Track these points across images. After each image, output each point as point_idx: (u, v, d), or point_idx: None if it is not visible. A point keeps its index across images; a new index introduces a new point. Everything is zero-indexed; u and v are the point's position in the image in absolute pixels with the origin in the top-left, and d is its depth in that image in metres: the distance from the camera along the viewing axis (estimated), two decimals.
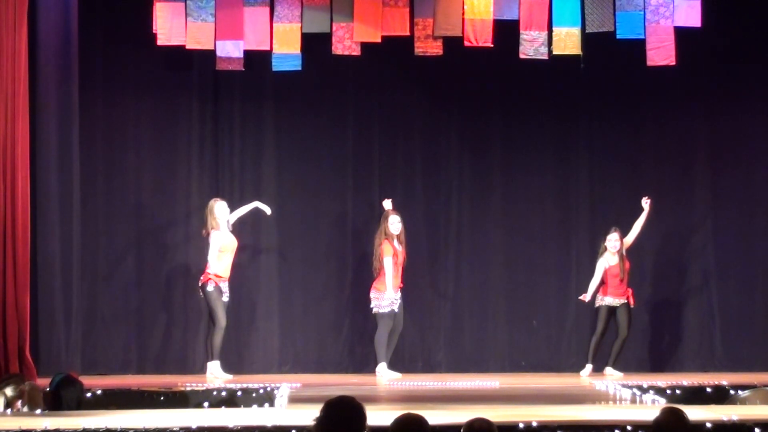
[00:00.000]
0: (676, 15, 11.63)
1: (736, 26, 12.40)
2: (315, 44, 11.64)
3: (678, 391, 9.71)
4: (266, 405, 9.13)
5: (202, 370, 11.58)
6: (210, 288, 11.33)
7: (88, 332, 11.95)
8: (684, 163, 12.73)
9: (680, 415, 4.95)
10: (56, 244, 11.61)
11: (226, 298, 11.41)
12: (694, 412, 7.07)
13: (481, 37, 11.51)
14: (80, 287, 11.83)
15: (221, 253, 11.38)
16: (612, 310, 11.87)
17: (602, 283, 11.86)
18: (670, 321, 12.64)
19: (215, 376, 11.23)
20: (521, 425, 6.92)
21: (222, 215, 11.46)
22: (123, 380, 11.16)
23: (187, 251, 12.10)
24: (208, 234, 11.42)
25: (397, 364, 11.83)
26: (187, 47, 11.58)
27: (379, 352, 11.63)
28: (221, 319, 11.32)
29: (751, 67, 12.55)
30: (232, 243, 11.52)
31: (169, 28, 11.50)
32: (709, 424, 6.96)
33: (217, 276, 11.35)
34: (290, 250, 12.50)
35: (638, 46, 11.60)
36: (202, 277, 11.43)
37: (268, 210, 11.77)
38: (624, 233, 11.89)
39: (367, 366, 12.04)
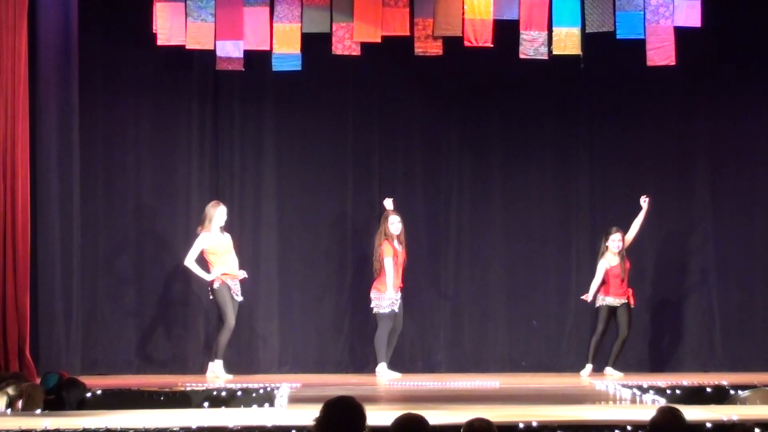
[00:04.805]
0: (676, 15, 11.63)
1: (736, 26, 12.40)
2: (315, 44, 11.64)
3: (678, 391, 9.70)
4: (266, 405, 9.13)
5: (202, 370, 11.58)
6: (216, 285, 11.32)
7: (88, 332, 11.95)
8: (684, 163, 12.72)
9: (677, 414, 4.96)
10: (56, 244, 11.62)
11: (237, 297, 11.41)
12: (693, 412, 7.10)
13: (481, 37, 11.51)
14: (80, 287, 11.84)
15: (216, 255, 11.36)
16: (612, 310, 11.86)
17: (603, 283, 11.85)
18: (670, 321, 12.63)
19: (216, 375, 11.22)
20: (521, 425, 6.91)
21: (218, 221, 11.43)
22: (123, 380, 11.16)
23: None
24: (199, 233, 11.41)
25: (397, 364, 11.83)
26: (187, 47, 11.58)
27: (379, 352, 11.63)
28: (230, 318, 11.29)
29: (751, 67, 12.55)
30: (226, 243, 11.48)
31: (169, 28, 11.50)
32: (708, 424, 6.95)
33: (225, 274, 11.35)
34: (290, 249, 12.49)
35: (638, 46, 11.60)
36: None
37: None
38: (624, 233, 11.89)
39: (367, 366, 12.04)
